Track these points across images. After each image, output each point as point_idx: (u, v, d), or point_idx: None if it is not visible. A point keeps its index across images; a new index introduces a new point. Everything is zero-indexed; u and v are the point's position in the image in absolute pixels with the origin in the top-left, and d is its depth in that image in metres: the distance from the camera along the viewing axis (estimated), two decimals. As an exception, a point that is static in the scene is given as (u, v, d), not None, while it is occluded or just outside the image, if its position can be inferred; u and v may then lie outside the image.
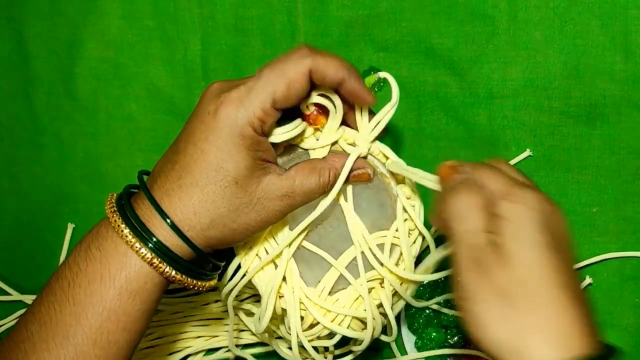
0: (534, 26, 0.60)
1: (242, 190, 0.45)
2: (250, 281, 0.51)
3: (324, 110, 0.48)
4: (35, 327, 0.45)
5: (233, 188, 0.45)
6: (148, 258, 0.44)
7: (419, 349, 0.61)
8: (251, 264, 0.50)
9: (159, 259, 0.44)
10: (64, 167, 0.67)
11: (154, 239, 0.44)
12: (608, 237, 0.61)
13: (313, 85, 0.47)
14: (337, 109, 0.48)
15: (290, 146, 0.50)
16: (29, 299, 0.66)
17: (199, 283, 0.47)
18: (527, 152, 0.61)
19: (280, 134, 0.47)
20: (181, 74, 0.65)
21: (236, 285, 0.50)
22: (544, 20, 0.59)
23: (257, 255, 0.50)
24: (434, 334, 0.60)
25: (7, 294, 0.67)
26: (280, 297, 0.50)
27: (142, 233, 0.44)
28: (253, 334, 0.63)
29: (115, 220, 0.45)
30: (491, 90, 0.61)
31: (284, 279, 0.50)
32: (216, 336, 0.64)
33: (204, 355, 0.65)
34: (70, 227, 0.66)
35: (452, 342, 0.61)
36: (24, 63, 0.67)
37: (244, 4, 0.63)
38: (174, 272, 0.45)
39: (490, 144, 0.61)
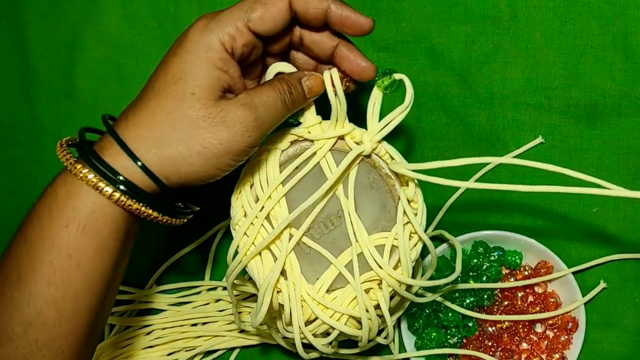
0: (534, 26, 0.60)
1: (199, 103, 0.43)
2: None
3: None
4: None
5: (189, 99, 0.43)
6: (93, 182, 0.42)
7: (419, 349, 0.61)
8: (247, 250, 0.50)
9: (106, 183, 0.42)
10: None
11: (106, 165, 0.42)
12: (608, 238, 0.61)
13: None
14: (341, 105, 0.48)
15: (295, 141, 0.50)
16: (29, 299, 0.66)
17: (163, 217, 0.45)
18: (540, 139, 0.61)
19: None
20: (181, 74, 0.65)
21: (234, 270, 0.50)
22: (544, 21, 0.59)
23: (253, 243, 0.50)
24: (434, 334, 0.60)
25: (7, 294, 0.67)
26: (277, 292, 0.50)
27: (92, 160, 0.42)
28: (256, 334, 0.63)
29: (62, 152, 0.44)
30: (491, 90, 0.61)
31: (283, 274, 0.50)
32: (216, 336, 0.64)
33: (204, 356, 0.65)
34: (70, 227, 0.66)
35: (452, 342, 0.61)
36: (24, 63, 0.67)
37: (244, 4, 0.63)
38: (125, 199, 0.42)
39: (490, 144, 0.61)
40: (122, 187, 0.42)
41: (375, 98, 0.49)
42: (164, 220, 0.45)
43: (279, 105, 0.46)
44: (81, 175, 0.42)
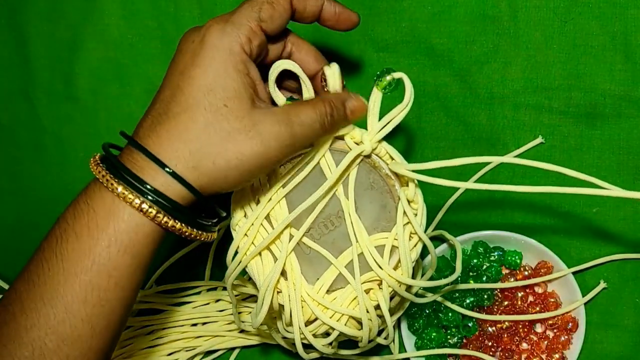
0: (534, 26, 0.60)
1: (233, 115, 0.42)
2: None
3: None
4: (24, 287, 0.43)
5: (223, 111, 0.42)
6: (137, 204, 0.41)
7: (419, 349, 0.61)
8: (247, 251, 0.50)
9: (149, 204, 0.41)
10: (64, 167, 0.67)
11: (146, 185, 0.41)
12: (608, 238, 0.61)
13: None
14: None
15: None
16: (29, 299, 0.66)
17: (199, 233, 0.45)
18: (540, 139, 0.61)
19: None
20: (181, 74, 0.65)
21: (234, 271, 0.50)
22: (544, 21, 0.59)
23: (252, 243, 0.50)
24: (434, 334, 0.60)
25: (8, 293, 0.67)
26: (278, 292, 0.50)
27: (130, 179, 0.41)
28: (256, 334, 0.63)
29: (99, 172, 0.42)
30: (491, 91, 0.61)
31: (283, 274, 0.50)
32: (216, 336, 0.64)
33: (204, 356, 0.65)
34: (70, 227, 0.66)
35: (452, 342, 0.61)
36: (24, 63, 0.67)
37: (244, 4, 0.63)
38: (168, 219, 0.42)
39: (490, 144, 0.61)
40: (164, 207, 0.42)
41: (375, 98, 0.49)
42: (202, 237, 0.45)
43: (317, 126, 0.45)
44: (124, 196, 0.41)
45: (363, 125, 0.50)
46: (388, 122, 0.49)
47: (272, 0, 0.44)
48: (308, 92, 0.48)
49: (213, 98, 0.42)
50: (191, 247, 0.66)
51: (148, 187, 0.41)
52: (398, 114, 0.49)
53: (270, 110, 0.44)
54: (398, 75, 0.48)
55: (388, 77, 0.48)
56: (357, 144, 0.50)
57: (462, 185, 0.48)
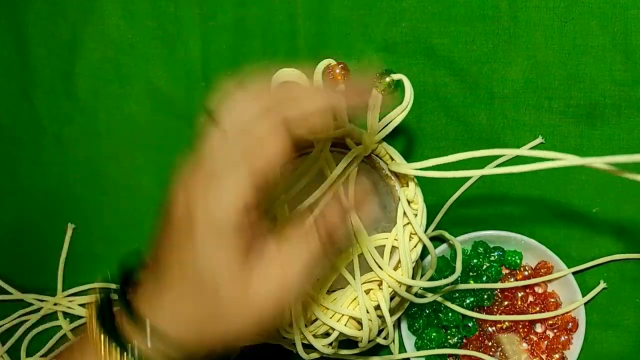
0: (534, 26, 0.60)
1: (233, 289, 0.38)
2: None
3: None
4: None
5: (225, 287, 0.38)
6: None
7: (419, 349, 0.61)
8: None
9: None
10: (64, 168, 0.67)
11: (135, 351, 0.39)
12: (608, 238, 0.61)
13: None
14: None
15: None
16: (29, 298, 0.66)
17: None
18: (540, 139, 0.61)
19: None
20: (181, 74, 0.65)
21: None
22: (544, 21, 0.59)
23: None
24: (434, 334, 0.60)
25: (8, 293, 0.67)
26: None
27: (122, 343, 0.39)
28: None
29: (91, 326, 0.40)
30: (491, 91, 0.61)
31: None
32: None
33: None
34: (70, 228, 0.66)
35: (452, 342, 0.61)
36: (24, 63, 0.67)
37: (244, 4, 0.63)
38: None
39: (490, 144, 0.61)
40: None
41: (374, 99, 0.49)
42: None
43: (314, 265, 0.40)
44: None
45: (363, 125, 0.50)
46: (388, 123, 0.49)
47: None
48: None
49: (210, 276, 0.38)
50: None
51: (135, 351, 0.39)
52: (398, 115, 0.49)
53: (266, 278, 0.38)
54: (397, 76, 0.48)
55: (387, 79, 0.48)
56: (357, 144, 0.50)
57: (458, 175, 0.48)
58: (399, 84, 0.49)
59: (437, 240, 0.62)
